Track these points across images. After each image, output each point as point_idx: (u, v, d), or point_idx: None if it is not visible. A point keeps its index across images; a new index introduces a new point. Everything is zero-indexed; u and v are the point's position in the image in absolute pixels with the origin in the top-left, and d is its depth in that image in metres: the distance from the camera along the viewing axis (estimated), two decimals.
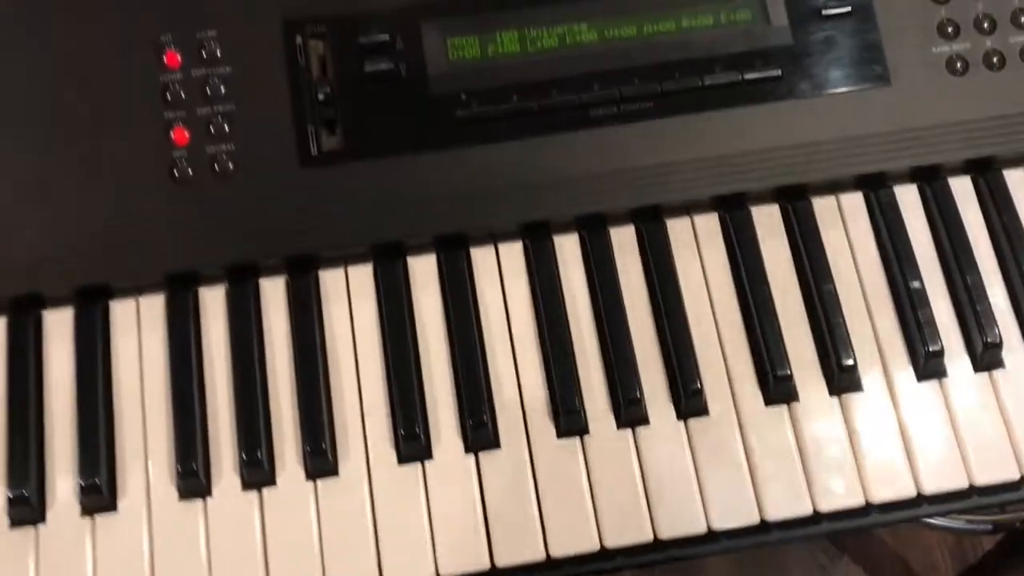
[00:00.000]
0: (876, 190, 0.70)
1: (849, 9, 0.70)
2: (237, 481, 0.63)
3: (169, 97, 0.67)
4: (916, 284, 0.68)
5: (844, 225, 0.70)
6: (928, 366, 0.66)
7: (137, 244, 0.65)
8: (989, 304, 0.67)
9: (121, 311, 0.67)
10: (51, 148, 0.66)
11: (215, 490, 0.63)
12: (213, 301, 0.67)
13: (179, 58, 0.68)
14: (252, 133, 0.67)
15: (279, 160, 0.67)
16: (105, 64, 0.67)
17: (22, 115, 0.67)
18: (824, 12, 0.70)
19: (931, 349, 0.66)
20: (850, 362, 0.65)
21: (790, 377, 0.65)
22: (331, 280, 0.68)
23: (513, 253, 0.69)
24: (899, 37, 0.70)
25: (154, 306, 0.67)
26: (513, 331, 0.67)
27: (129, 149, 0.66)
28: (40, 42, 0.68)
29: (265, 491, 0.63)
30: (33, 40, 0.68)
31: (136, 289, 0.67)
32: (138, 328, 0.66)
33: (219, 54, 0.68)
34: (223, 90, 0.67)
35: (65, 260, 0.65)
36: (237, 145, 0.67)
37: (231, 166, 0.66)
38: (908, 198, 0.70)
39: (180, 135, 0.67)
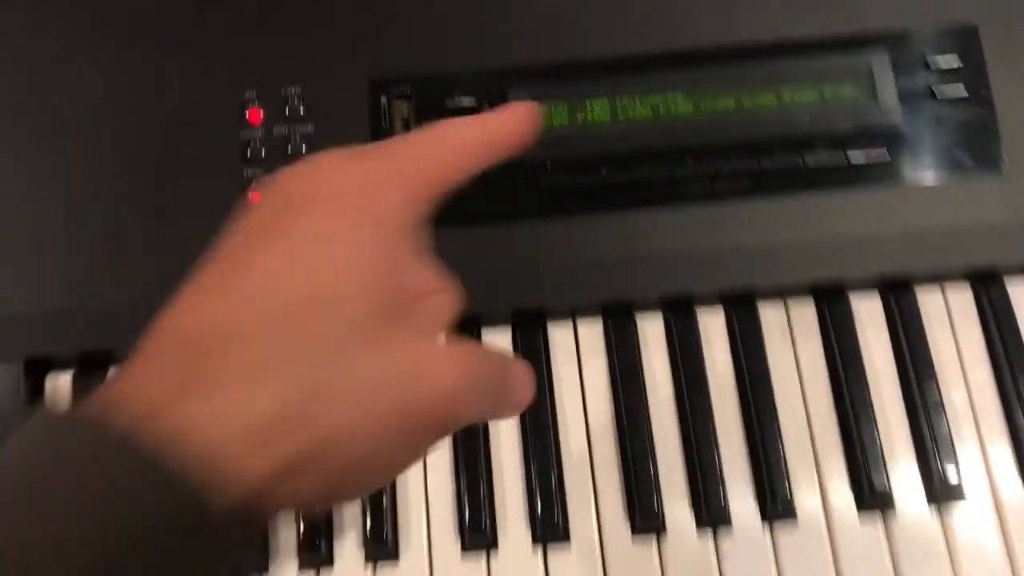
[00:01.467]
0: (987, 285, 0.65)
1: (964, 90, 0.66)
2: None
3: (250, 154, 0.66)
4: None
5: (951, 320, 0.65)
6: None
7: None
8: None
9: None
10: (128, 200, 0.65)
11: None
12: None
13: (262, 115, 0.66)
14: None
15: None
16: (187, 117, 0.66)
17: (99, 166, 0.66)
18: (936, 92, 0.66)
19: None
20: (954, 480, 0.61)
21: (887, 489, 0.61)
22: None
23: (593, 332, 0.65)
24: (1016, 123, 0.66)
25: None
26: (589, 417, 0.64)
27: (206, 207, 0.65)
28: (120, 91, 0.67)
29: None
30: (116, 87, 0.67)
31: None
32: None
33: (302, 111, 0.66)
34: (305, 149, 0.66)
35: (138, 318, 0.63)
36: None
37: None
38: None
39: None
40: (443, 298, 0.40)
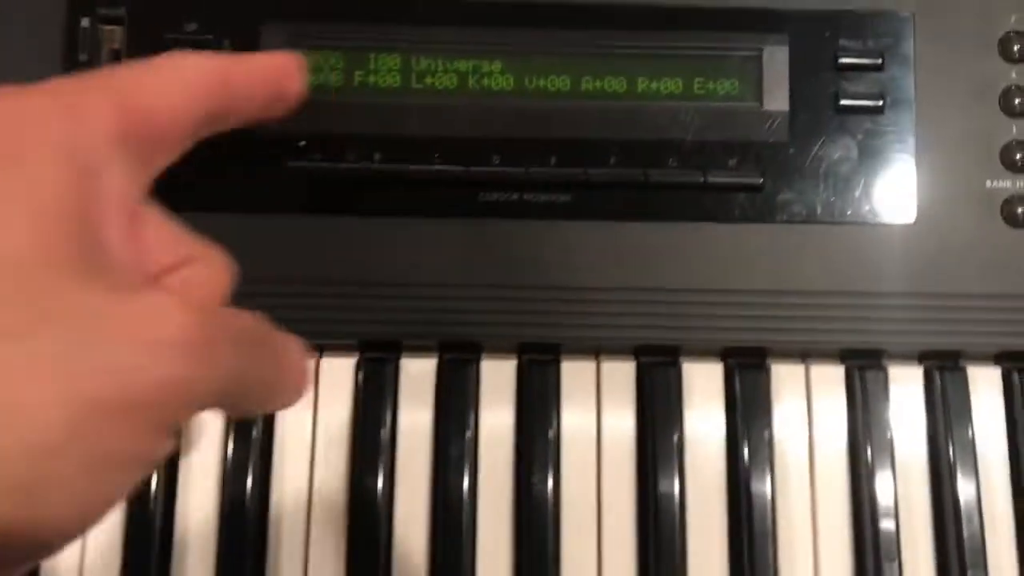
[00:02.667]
0: (863, 368, 0.49)
1: (881, 100, 0.49)
2: None
3: None
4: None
5: (808, 400, 0.50)
6: None
7: None
8: None
9: None
10: None
11: None
12: None
13: None
14: None
15: None
16: None
17: None
18: (842, 101, 0.49)
19: None
20: None
21: None
22: None
23: (343, 368, 0.49)
24: (943, 158, 0.49)
25: None
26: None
27: None
28: None
29: None
30: None
31: None
32: None
33: None
34: None
35: None
36: None
37: None
38: (906, 382, 0.50)
39: None
40: (192, 273, 0.33)
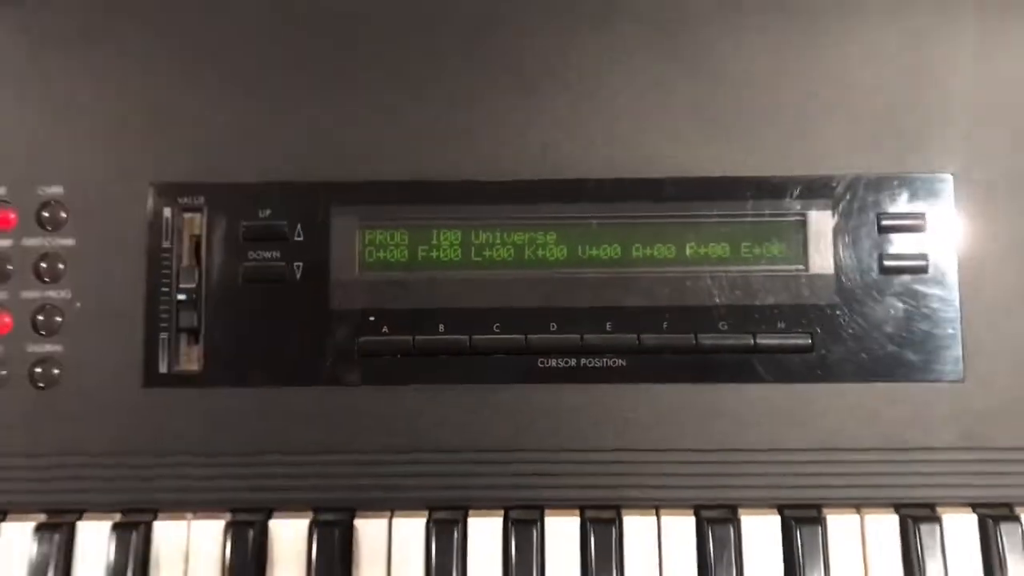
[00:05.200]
0: (918, 519, 0.50)
1: (926, 262, 0.51)
2: None
3: None
4: None
5: (865, 558, 0.51)
6: None
7: None
8: None
9: None
10: None
11: None
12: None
13: (13, 219, 0.52)
14: (88, 332, 0.51)
15: (118, 374, 0.50)
16: None
17: None
18: (886, 263, 0.51)
19: None
20: None
21: None
22: (169, 532, 0.51)
23: (414, 532, 0.51)
24: (988, 315, 0.50)
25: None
26: None
27: None
28: None
29: None
30: None
31: None
32: None
33: (64, 218, 0.52)
34: (63, 268, 0.52)
35: None
36: (67, 346, 0.51)
37: (55, 372, 0.51)
38: (962, 532, 0.51)
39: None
40: None
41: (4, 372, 0.50)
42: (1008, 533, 0.50)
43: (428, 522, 0.51)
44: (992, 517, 0.50)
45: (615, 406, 0.50)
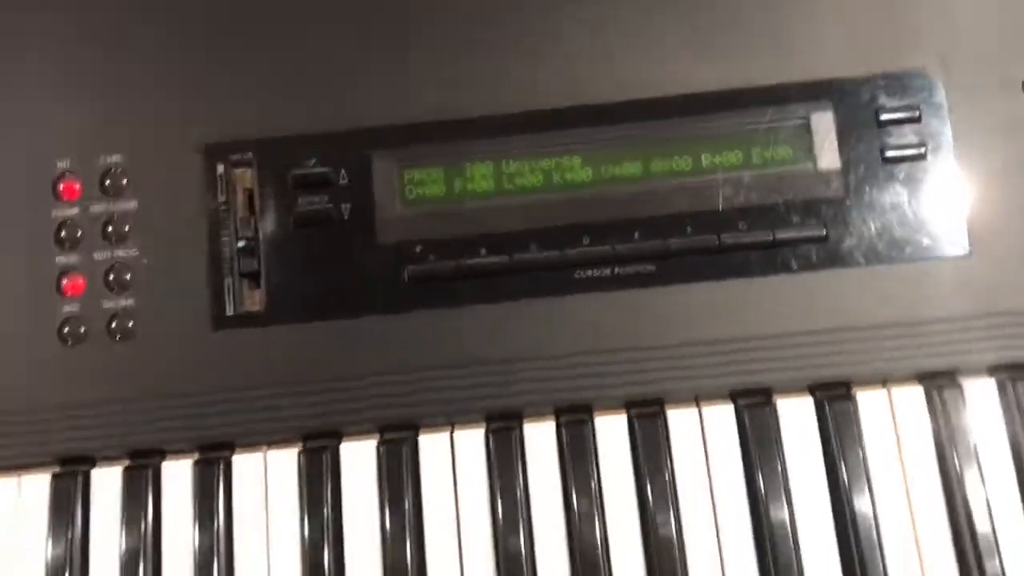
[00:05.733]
0: (941, 388, 0.55)
1: (924, 151, 0.55)
2: None
3: (64, 235, 0.56)
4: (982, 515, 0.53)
5: (896, 429, 0.55)
6: None
7: (20, 420, 0.55)
8: None
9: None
10: None
11: None
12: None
13: (78, 188, 0.56)
14: (158, 285, 0.55)
15: (188, 320, 0.54)
16: None
17: None
18: (888, 154, 0.55)
19: None
20: None
21: None
22: (247, 466, 0.55)
23: (474, 443, 0.55)
24: (985, 191, 0.54)
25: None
26: (463, 547, 0.54)
27: (13, 301, 0.55)
28: None
29: None
30: None
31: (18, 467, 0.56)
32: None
33: (125, 184, 0.56)
34: (128, 230, 0.56)
35: None
36: (139, 300, 0.55)
37: (131, 325, 0.55)
38: (983, 396, 0.55)
39: (74, 285, 0.56)
40: None
41: (83, 328, 0.55)
42: None
43: (487, 432, 0.55)
44: (1010, 379, 0.54)
45: (649, 308, 0.54)
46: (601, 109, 0.55)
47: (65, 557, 0.54)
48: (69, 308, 0.55)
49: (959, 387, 0.54)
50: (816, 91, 0.55)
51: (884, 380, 0.54)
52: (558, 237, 0.55)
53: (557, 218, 0.55)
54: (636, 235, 0.55)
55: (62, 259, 0.55)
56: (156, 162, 0.56)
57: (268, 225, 0.55)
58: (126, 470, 0.55)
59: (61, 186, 0.56)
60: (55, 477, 0.55)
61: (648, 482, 0.53)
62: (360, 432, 0.55)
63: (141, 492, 0.55)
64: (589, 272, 0.55)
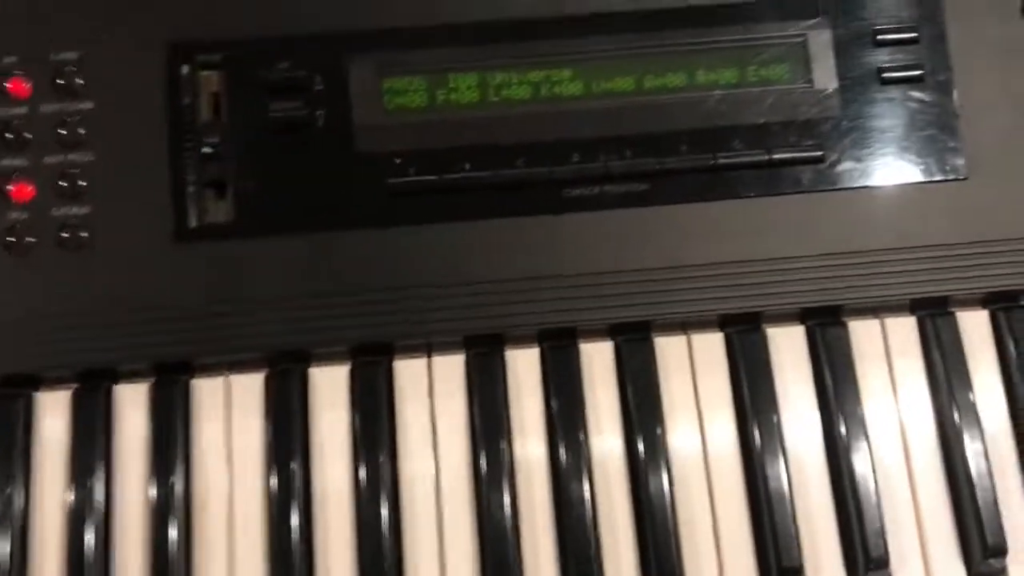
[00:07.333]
0: (934, 316, 0.53)
1: (921, 72, 0.54)
2: None
3: (11, 137, 0.51)
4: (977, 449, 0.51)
5: (888, 356, 0.54)
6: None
7: None
8: None
9: None
10: None
11: None
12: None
13: (28, 87, 0.52)
14: (114, 193, 0.51)
15: (147, 232, 0.51)
16: None
17: None
18: (885, 74, 0.53)
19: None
20: (880, 553, 0.50)
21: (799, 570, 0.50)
22: (206, 391, 0.52)
23: (451, 368, 0.52)
24: (982, 114, 0.54)
25: None
26: (440, 463, 0.51)
27: None
28: None
29: None
30: None
31: None
32: None
33: (80, 84, 0.52)
34: (83, 133, 0.52)
35: None
36: (94, 208, 0.51)
37: (84, 236, 0.51)
38: (975, 327, 0.54)
39: (22, 190, 0.51)
40: None
41: (31, 238, 0.50)
42: (1019, 320, 0.53)
43: (467, 357, 0.52)
44: (1003, 308, 0.53)
45: (641, 229, 0.52)
46: (594, 19, 0.53)
47: (7, 484, 0.49)
48: (16, 215, 0.50)
49: (952, 315, 0.53)
50: (814, 8, 0.53)
51: (876, 308, 0.53)
52: (547, 153, 0.52)
53: (546, 133, 0.52)
54: (629, 152, 0.52)
55: (8, 162, 0.51)
56: (115, 60, 0.52)
57: (236, 131, 0.51)
58: (75, 393, 0.51)
59: (8, 83, 0.51)
60: None
61: (635, 410, 0.51)
62: (332, 355, 0.52)
63: (92, 417, 0.51)
64: (579, 190, 0.52)
